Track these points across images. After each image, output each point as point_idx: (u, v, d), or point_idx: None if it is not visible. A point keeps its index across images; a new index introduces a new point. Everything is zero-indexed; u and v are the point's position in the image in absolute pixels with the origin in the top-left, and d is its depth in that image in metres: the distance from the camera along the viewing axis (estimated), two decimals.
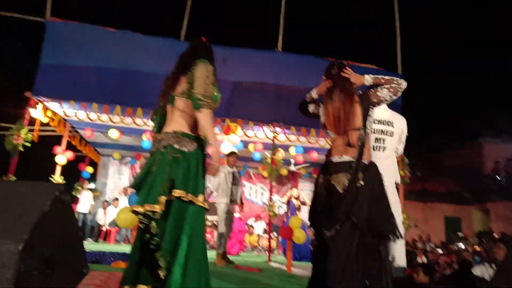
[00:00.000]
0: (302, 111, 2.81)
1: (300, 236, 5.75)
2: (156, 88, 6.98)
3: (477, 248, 5.89)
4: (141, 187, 2.15)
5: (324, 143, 7.96)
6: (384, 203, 2.39)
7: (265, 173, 8.45)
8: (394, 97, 2.55)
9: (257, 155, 9.11)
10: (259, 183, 13.06)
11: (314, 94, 2.73)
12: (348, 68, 2.62)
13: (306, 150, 8.83)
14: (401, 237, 2.75)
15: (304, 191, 12.33)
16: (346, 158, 2.44)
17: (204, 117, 2.20)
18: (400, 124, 3.47)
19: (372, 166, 2.45)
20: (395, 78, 2.57)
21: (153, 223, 2.01)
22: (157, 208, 2.01)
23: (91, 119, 7.23)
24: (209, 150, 2.31)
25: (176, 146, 2.18)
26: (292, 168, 10.81)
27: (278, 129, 7.40)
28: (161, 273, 1.97)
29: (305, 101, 2.78)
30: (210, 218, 10.98)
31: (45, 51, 6.75)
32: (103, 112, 7.13)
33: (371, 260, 2.28)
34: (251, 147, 9.02)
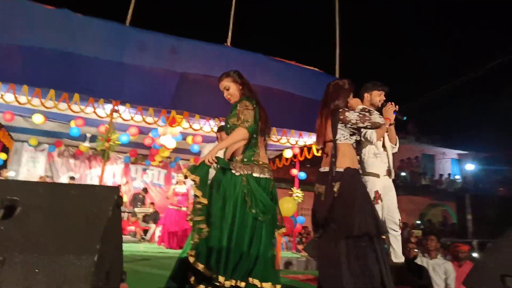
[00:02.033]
0: None
1: None
2: (97, 74, 6.56)
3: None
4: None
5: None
6: (362, 206, 2.58)
7: None
8: (361, 124, 2.71)
9: (195, 147, 9.01)
10: None
11: None
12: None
13: None
14: (388, 233, 3.03)
15: None
16: (326, 168, 2.72)
17: None
18: None
19: (347, 173, 2.65)
20: (375, 114, 2.75)
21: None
22: None
23: (20, 103, 6.50)
24: None
25: None
26: None
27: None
28: None
29: None
30: (138, 210, 10.65)
31: None
32: (34, 96, 6.47)
33: (367, 261, 2.48)
34: (189, 139, 8.89)
